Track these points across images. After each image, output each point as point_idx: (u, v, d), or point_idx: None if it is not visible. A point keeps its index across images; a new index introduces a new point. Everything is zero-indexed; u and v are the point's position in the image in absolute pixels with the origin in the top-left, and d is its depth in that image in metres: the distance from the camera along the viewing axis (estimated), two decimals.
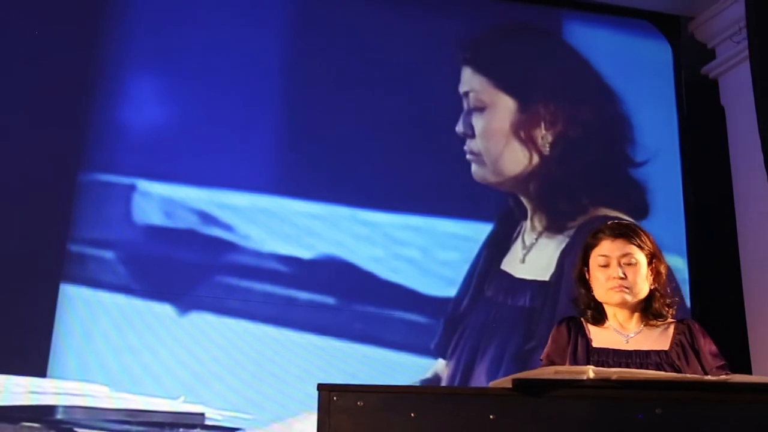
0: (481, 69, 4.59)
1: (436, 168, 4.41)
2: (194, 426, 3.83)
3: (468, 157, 4.46)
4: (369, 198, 4.27)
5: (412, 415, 1.67)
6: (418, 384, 4.03)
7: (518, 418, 1.65)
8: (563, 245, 4.43)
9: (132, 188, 4.06)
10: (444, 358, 4.18)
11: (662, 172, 4.70)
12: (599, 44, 4.82)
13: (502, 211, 4.47)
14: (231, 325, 3.99)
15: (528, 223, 4.47)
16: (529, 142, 4.55)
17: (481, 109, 4.52)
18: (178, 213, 4.08)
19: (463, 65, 4.59)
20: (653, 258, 2.43)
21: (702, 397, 1.65)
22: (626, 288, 2.37)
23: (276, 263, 4.12)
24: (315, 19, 4.49)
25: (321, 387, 1.71)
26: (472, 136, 4.48)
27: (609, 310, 2.45)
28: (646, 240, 2.43)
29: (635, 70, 4.81)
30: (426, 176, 4.38)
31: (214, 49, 4.30)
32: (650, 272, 2.42)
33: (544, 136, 4.58)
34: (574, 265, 2.55)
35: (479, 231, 4.41)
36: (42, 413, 3.74)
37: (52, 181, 3.99)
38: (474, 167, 4.46)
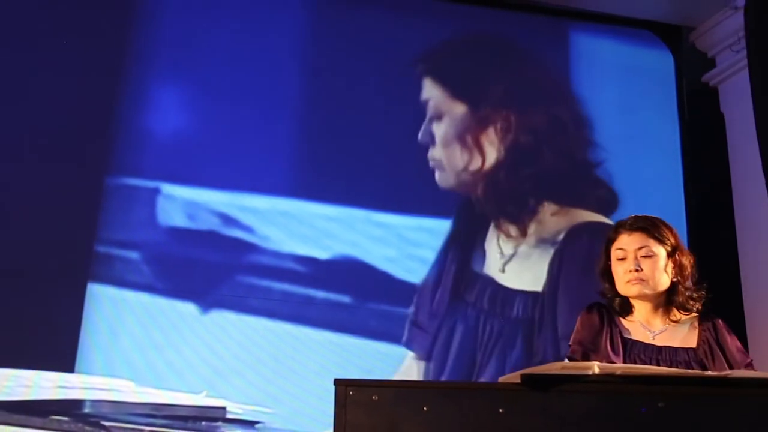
0: (439, 78, 4.55)
1: None
2: (216, 420, 3.86)
3: (431, 164, 4.43)
4: (383, 201, 4.30)
5: (425, 408, 1.69)
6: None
7: (526, 411, 1.67)
8: (550, 254, 4.39)
9: (156, 191, 4.11)
10: (428, 361, 4.16)
11: (664, 175, 4.73)
12: (603, 53, 4.85)
13: (459, 208, 4.43)
14: (251, 323, 4.03)
15: (495, 228, 4.41)
16: (479, 145, 4.49)
17: (439, 117, 4.48)
18: (201, 215, 4.13)
19: (424, 75, 4.55)
20: (675, 251, 2.38)
21: (703, 392, 1.68)
22: (642, 280, 2.34)
23: (294, 263, 4.16)
24: (331, 28, 4.53)
25: (338, 382, 1.74)
26: (433, 144, 4.45)
27: (635, 304, 2.42)
28: (667, 233, 2.40)
29: (638, 79, 4.84)
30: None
31: (235, 59, 4.35)
32: (672, 265, 2.37)
33: (504, 138, 4.53)
34: (596, 261, 2.51)
35: None
36: (70, 407, 3.79)
37: (81, 185, 4.05)
38: (438, 174, 4.42)
